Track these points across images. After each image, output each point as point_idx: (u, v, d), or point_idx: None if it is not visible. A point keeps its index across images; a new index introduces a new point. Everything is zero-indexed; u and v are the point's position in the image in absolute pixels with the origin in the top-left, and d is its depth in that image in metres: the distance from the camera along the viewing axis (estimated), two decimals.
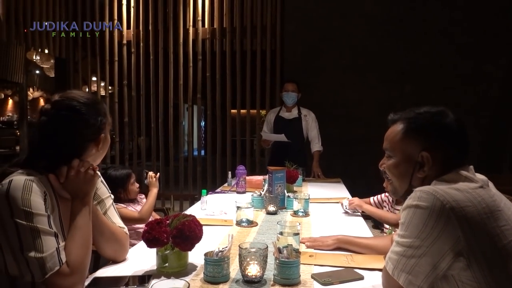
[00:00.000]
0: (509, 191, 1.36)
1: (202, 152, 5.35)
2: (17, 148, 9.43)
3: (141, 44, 4.87)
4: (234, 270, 1.17)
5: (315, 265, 1.25)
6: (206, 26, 4.79)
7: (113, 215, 1.29)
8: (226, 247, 1.14)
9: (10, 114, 13.70)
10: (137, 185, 2.40)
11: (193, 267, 1.21)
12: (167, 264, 1.19)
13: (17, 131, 10.08)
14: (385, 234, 2.04)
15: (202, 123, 11.24)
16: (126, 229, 1.31)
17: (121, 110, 5.00)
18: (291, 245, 1.23)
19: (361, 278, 1.15)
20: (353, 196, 2.31)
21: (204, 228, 1.24)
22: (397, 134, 1.05)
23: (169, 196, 4.78)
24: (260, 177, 2.77)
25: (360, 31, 4.41)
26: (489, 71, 4.29)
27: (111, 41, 4.92)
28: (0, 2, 4.05)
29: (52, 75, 7.67)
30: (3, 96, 13.31)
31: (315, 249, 1.42)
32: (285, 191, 2.13)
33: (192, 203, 4.59)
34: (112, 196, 1.33)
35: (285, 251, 1.14)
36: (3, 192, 0.97)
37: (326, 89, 4.44)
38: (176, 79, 4.81)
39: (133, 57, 4.91)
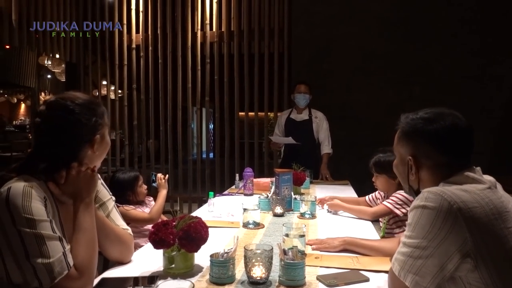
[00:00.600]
0: None
1: (211, 155, 5.37)
2: (29, 151, 9.60)
3: (150, 48, 4.92)
4: (239, 272, 1.17)
5: (320, 266, 1.25)
6: (214, 29, 4.83)
7: (116, 217, 1.29)
8: (232, 248, 1.15)
9: (22, 118, 13.94)
10: (145, 187, 2.43)
11: (199, 269, 1.22)
12: (173, 265, 1.20)
13: (29, 135, 10.26)
14: (381, 224, 2.05)
15: (211, 126, 11.28)
16: (130, 230, 1.32)
17: (130, 113, 5.06)
18: (297, 246, 1.24)
19: (366, 280, 1.15)
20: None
21: (210, 230, 1.25)
22: (396, 136, 1.12)
23: (178, 199, 4.82)
24: (268, 179, 2.77)
25: (368, 33, 4.39)
26: (500, 72, 4.23)
27: (120, 45, 4.99)
28: (13, 8, 4.13)
29: (63, 79, 7.79)
30: (15, 100, 13.57)
31: (321, 251, 1.42)
32: (292, 193, 2.13)
33: (200, 205, 4.59)
34: (114, 198, 1.33)
35: (290, 253, 1.14)
36: (3, 199, 0.96)
37: (334, 91, 4.43)
38: (184, 82, 4.85)
39: (142, 61, 4.96)
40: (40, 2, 4.51)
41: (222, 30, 4.82)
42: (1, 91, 12.81)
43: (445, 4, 4.28)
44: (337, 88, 4.45)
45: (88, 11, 5.02)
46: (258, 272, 1.09)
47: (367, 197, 2.29)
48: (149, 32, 4.93)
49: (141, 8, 4.92)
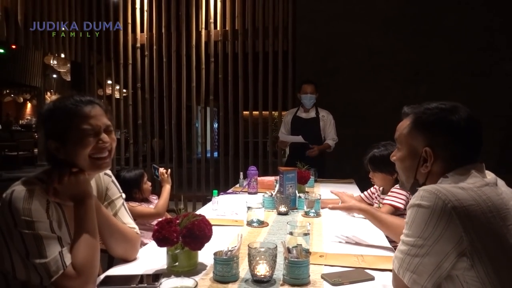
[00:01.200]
0: None
1: (215, 154, 5.38)
2: (36, 150, 9.68)
3: (154, 47, 4.93)
4: (243, 270, 1.17)
5: (325, 265, 1.24)
6: (218, 28, 4.82)
7: (124, 216, 1.30)
8: (235, 246, 1.15)
9: (28, 117, 14.06)
10: (149, 183, 2.47)
11: (203, 267, 1.22)
12: (177, 263, 1.20)
13: (36, 134, 10.34)
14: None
15: (215, 125, 11.30)
16: (137, 229, 1.32)
17: (135, 112, 5.07)
18: (301, 245, 1.23)
19: (371, 278, 1.14)
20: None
21: (214, 228, 1.24)
22: (406, 127, 1.06)
23: (182, 197, 4.82)
24: (272, 178, 2.76)
25: (373, 31, 4.36)
26: (508, 69, 4.18)
27: (125, 45, 5.00)
28: (19, 8, 4.15)
29: (68, 79, 7.84)
30: (22, 100, 13.69)
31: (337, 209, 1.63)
32: (296, 191, 2.12)
33: (205, 204, 4.57)
34: (124, 196, 1.34)
35: (294, 251, 1.13)
36: (6, 202, 1.00)
37: (338, 89, 4.40)
38: (189, 81, 4.85)
39: (146, 60, 4.97)
40: (45, 2, 4.53)
41: (227, 28, 4.81)
42: (7, 91, 12.93)
43: (451, 1, 4.23)
44: (342, 86, 4.42)
45: (93, 10, 5.03)
46: (262, 270, 1.08)
47: (362, 194, 2.28)
48: (154, 31, 4.94)
49: (145, 7, 4.93)
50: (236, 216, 1.95)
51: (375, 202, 2.14)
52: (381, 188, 2.10)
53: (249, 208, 1.76)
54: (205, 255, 1.24)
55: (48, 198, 1.04)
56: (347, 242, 1.52)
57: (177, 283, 0.87)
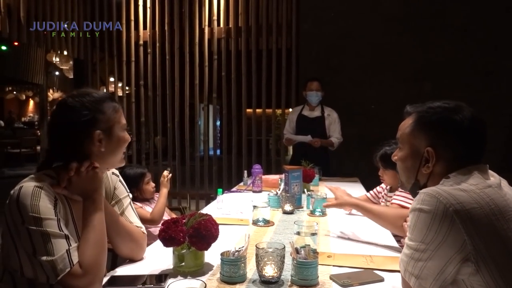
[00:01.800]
0: None
1: (218, 152, 5.36)
2: (38, 148, 9.69)
3: (157, 44, 4.91)
4: (251, 270, 1.15)
5: (333, 266, 1.23)
6: (222, 25, 4.80)
7: (131, 215, 1.29)
8: (243, 246, 1.13)
9: (31, 115, 14.08)
10: (153, 184, 2.40)
11: (210, 267, 1.21)
12: (183, 264, 1.19)
13: (38, 132, 10.35)
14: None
15: (218, 123, 11.28)
16: (143, 229, 1.31)
17: (137, 110, 5.06)
18: (309, 245, 1.21)
19: (381, 280, 1.12)
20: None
21: (220, 227, 1.23)
22: (408, 126, 1.03)
23: (186, 195, 4.81)
24: (276, 176, 2.74)
25: (377, 29, 4.33)
26: (511, 67, 4.15)
27: (128, 42, 4.98)
28: (21, 5, 4.14)
29: (71, 76, 7.83)
30: (24, 97, 13.69)
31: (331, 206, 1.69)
32: (305, 189, 2.10)
33: (208, 202, 4.60)
34: (131, 196, 1.34)
35: (302, 252, 1.12)
36: (14, 199, 0.99)
37: (342, 87, 4.37)
38: (192, 79, 4.83)
39: (149, 57, 4.95)
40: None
41: (230, 26, 4.79)
42: (10, 88, 12.93)
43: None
44: (346, 84, 4.39)
45: (96, 8, 5.01)
46: (270, 271, 1.07)
47: (368, 193, 2.25)
48: (157, 29, 4.91)
49: (148, 4, 4.90)
50: (241, 215, 1.93)
51: (381, 201, 2.12)
52: (388, 187, 2.07)
53: (255, 207, 1.75)
54: (212, 254, 1.22)
55: (56, 195, 1.03)
56: (354, 241, 1.51)
57: (185, 285, 0.85)
